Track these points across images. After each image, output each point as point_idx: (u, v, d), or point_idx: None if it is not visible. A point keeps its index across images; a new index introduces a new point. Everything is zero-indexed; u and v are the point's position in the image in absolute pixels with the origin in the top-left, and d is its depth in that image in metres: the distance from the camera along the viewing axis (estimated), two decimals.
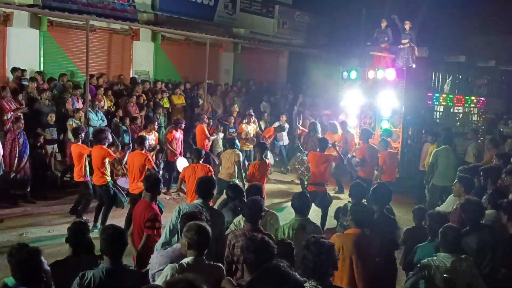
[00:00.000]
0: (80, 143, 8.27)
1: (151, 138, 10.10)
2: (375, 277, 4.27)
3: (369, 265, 4.21)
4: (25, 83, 10.88)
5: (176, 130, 10.52)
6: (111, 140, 8.44)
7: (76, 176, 8.37)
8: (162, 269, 3.61)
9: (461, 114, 13.43)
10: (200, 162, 7.31)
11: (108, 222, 7.91)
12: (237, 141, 9.65)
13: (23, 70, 11.14)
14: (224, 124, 12.81)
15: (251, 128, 12.29)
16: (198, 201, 4.87)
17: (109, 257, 3.48)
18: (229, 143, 9.18)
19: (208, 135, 11.15)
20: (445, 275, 3.85)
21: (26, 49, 11.92)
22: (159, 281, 3.47)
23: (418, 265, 4.05)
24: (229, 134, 12.48)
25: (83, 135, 8.49)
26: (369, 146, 9.32)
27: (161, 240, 4.48)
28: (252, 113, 12.66)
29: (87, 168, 8.29)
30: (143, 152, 7.72)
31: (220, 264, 3.74)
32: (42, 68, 12.30)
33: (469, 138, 11.12)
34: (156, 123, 10.69)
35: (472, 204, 4.84)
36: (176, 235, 4.53)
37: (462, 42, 18.45)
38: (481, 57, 18.55)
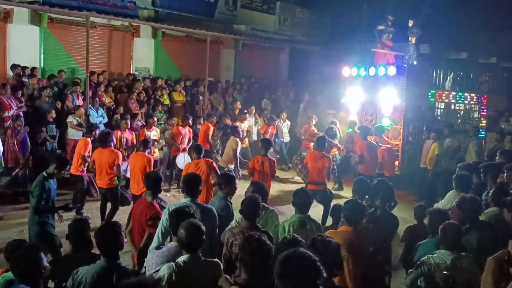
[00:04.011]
0: (90, 140, 8.33)
1: (153, 134, 10.12)
2: (368, 275, 4.25)
3: (361, 263, 4.19)
4: (25, 80, 10.86)
5: (183, 126, 10.53)
6: (115, 141, 8.47)
7: (73, 169, 8.42)
8: (159, 270, 3.59)
9: (462, 111, 13.40)
10: (201, 157, 7.22)
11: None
12: (239, 129, 9.71)
13: (23, 67, 11.13)
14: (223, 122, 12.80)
15: (244, 126, 12.30)
16: (186, 199, 4.81)
17: (104, 255, 3.50)
18: (231, 130, 9.37)
19: (210, 139, 11.14)
20: (444, 272, 3.84)
21: (26, 46, 11.91)
22: None
23: (418, 262, 4.04)
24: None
25: (96, 132, 8.51)
26: (368, 142, 9.33)
27: (154, 243, 4.44)
28: (247, 111, 12.65)
29: (86, 163, 8.32)
30: (146, 154, 7.74)
31: (217, 260, 3.74)
32: (42, 65, 12.30)
33: (470, 135, 11.10)
34: (155, 118, 10.69)
35: (468, 201, 4.84)
36: (169, 237, 4.52)
37: (463, 38, 18.43)
38: (483, 54, 18.52)
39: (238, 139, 8.96)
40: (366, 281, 4.20)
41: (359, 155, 9.19)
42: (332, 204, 6.96)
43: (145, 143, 7.93)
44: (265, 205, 5.07)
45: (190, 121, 10.79)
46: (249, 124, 12.59)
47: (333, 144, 9.99)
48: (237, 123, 12.24)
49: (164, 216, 4.60)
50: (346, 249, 4.09)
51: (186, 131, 10.61)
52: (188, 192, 4.86)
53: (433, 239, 4.53)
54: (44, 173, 5.83)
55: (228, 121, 12.51)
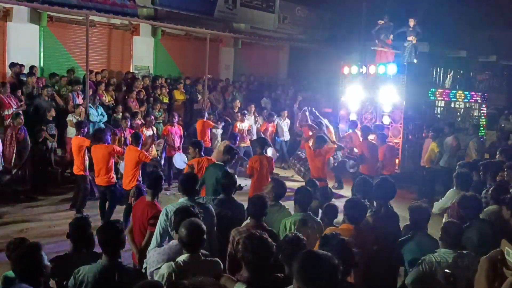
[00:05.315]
0: (80, 136, 8.34)
1: (151, 134, 10.10)
2: (371, 273, 4.25)
3: (363, 261, 4.19)
4: (24, 78, 10.86)
5: (172, 126, 10.52)
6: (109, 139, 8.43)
7: (76, 169, 8.42)
8: (160, 267, 3.59)
9: (462, 110, 13.40)
10: (203, 154, 7.18)
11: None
12: (237, 137, 9.58)
13: (21, 65, 11.13)
14: (225, 120, 12.78)
15: (245, 125, 12.30)
16: (183, 199, 4.78)
17: (106, 254, 3.48)
18: (230, 136, 9.34)
19: (206, 131, 11.13)
20: (446, 270, 3.83)
21: (26, 44, 11.91)
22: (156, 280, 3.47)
23: (419, 261, 4.03)
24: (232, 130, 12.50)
25: (85, 129, 8.56)
26: (368, 142, 9.31)
27: (152, 244, 4.41)
28: (246, 111, 12.64)
29: (87, 163, 8.33)
30: (138, 148, 7.72)
31: (217, 260, 3.73)
32: (42, 64, 12.30)
33: (470, 133, 11.10)
34: (152, 117, 10.68)
35: (468, 199, 4.84)
36: (167, 237, 4.52)
37: (463, 37, 18.42)
38: (482, 52, 18.51)
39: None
40: (369, 280, 4.20)
41: (360, 155, 9.20)
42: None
43: (136, 137, 7.84)
44: (281, 203, 5.09)
45: (176, 119, 10.76)
46: (249, 124, 12.59)
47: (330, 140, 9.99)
48: (238, 123, 12.26)
49: (162, 216, 4.57)
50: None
51: (176, 130, 10.59)
52: (185, 191, 4.85)
53: (414, 241, 4.46)
54: (222, 163, 6.63)
55: (240, 117, 12.48)
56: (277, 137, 13.21)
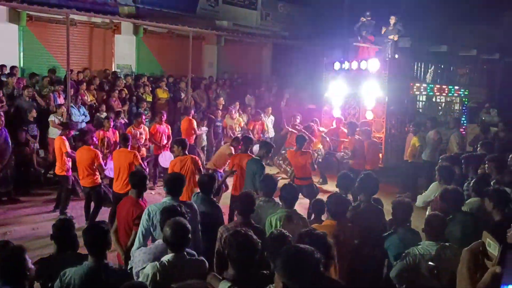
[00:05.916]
0: (65, 138, 8.27)
1: (140, 133, 9.99)
2: (356, 268, 4.29)
3: (347, 256, 4.23)
4: (4, 79, 10.70)
5: (160, 124, 10.45)
6: (95, 140, 8.36)
7: (57, 170, 8.35)
8: (145, 267, 3.58)
9: (443, 104, 13.58)
10: (187, 153, 7.10)
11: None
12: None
13: (2, 66, 10.96)
14: (209, 117, 12.75)
15: (232, 122, 12.28)
16: (166, 198, 4.76)
17: (92, 256, 3.47)
18: (234, 140, 9.09)
19: (196, 129, 11.04)
20: (429, 263, 3.89)
21: (5, 44, 11.71)
22: (140, 280, 3.46)
23: (403, 253, 4.09)
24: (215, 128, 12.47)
25: (71, 132, 8.52)
26: (356, 138, 9.40)
27: (136, 245, 4.40)
28: (232, 107, 12.61)
29: (70, 163, 8.25)
30: (129, 149, 7.65)
31: (202, 259, 3.73)
32: (22, 64, 12.13)
33: (451, 127, 11.24)
34: (144, 117, 10.58)
35: (450, 193, 4.91)
36: (150, 237, 4.51)
37: (444, 31, 18.59)
38: (463, 47, 18.73)
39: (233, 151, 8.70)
40: (353, 274, 4.25)
41: (352, 150, 9.27)
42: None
43: (125, 139, 7.74)
44: (275, 200, 5.11)
45: (164, 117, 10.67)
46: (241, 120, 12.55)
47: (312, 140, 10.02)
48: (227, 119, 12.22)
49: (144, 216, 4.56)
50: (332, 243, 4.13)
51: (164, 128, 10.50)
52: (169, 191, 4.83)
53: (397, 235, 4.51)
54: (256, 157, 7.07)
55: (219, 114, 12.39)
56: (262, 134, 13.21)
